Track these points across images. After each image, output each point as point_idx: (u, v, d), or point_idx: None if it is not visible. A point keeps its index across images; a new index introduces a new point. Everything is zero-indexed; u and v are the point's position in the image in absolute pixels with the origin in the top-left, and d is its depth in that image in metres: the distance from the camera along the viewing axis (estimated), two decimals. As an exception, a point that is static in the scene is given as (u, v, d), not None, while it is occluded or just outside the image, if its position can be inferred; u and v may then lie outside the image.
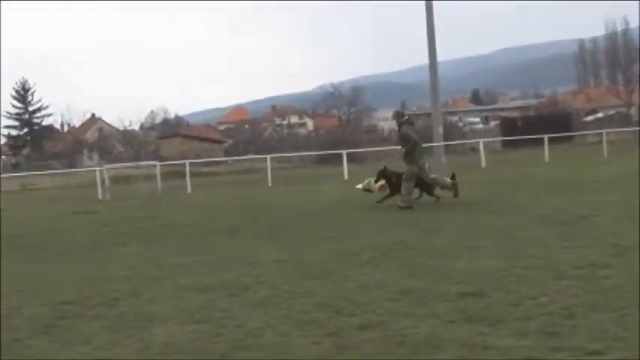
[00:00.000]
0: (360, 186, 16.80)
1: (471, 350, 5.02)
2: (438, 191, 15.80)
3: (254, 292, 7.45)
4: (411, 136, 15.43)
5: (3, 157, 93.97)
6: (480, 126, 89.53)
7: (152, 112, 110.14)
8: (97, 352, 5.60)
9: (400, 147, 15.95)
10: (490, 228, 11.12)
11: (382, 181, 15.98)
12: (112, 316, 6.79)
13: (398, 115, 16.60)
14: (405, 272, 7.98)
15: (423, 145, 16.46)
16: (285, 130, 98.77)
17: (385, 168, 16.24)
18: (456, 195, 15.66)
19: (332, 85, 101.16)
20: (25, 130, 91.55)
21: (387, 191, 15.86)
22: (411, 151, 15.37)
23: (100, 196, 27.91)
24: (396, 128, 16.71)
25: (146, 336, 5.97)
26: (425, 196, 15.89)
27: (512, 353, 4.90)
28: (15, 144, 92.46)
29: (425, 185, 15.75)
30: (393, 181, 15.72)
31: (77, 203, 24.67)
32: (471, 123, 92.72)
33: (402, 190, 15.23)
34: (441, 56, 37.32)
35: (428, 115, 56.96)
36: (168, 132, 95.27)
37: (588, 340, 5.05)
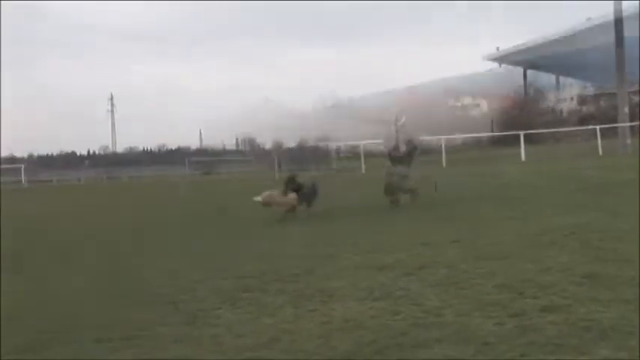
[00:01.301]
0: (258, 198, 14.04)
1: (668, 338, 4.72)
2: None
3: (432, 271, 7.38)
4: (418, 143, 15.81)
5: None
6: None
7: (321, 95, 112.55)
8: (281, 324, 5.75)
9: (400, 152, 15.55)
10: (684, 213, 10.37)
11: (293, 195, 14.13)
12: (292, 290, 6.96)
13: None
14: (590, 255, 7.62)
15: None
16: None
17: (295, 176, 14.90)
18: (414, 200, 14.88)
19: (506, 67, 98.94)
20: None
21: (295, 202, 14.10)
22: (413, 158, 15.42)
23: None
24: (395, 133, 16.56)
25: (326, 311, 6.06)
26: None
27: None
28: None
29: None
30: (304, 191, 14.27)
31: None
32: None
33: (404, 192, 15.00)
34: (628, 31, 35.40)
35: (612, 94, 54.26)
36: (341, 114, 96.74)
37: None
